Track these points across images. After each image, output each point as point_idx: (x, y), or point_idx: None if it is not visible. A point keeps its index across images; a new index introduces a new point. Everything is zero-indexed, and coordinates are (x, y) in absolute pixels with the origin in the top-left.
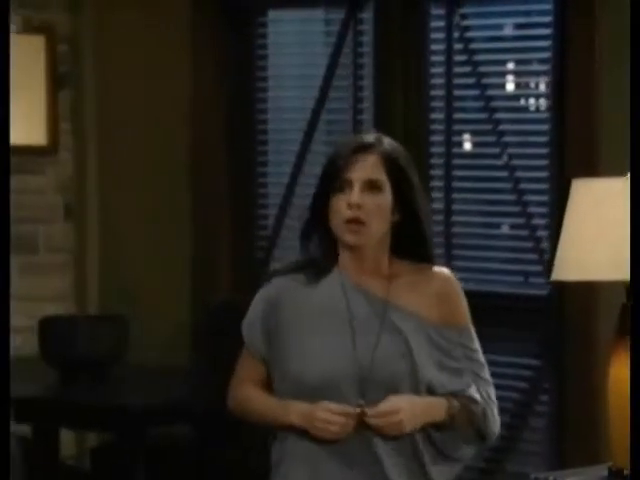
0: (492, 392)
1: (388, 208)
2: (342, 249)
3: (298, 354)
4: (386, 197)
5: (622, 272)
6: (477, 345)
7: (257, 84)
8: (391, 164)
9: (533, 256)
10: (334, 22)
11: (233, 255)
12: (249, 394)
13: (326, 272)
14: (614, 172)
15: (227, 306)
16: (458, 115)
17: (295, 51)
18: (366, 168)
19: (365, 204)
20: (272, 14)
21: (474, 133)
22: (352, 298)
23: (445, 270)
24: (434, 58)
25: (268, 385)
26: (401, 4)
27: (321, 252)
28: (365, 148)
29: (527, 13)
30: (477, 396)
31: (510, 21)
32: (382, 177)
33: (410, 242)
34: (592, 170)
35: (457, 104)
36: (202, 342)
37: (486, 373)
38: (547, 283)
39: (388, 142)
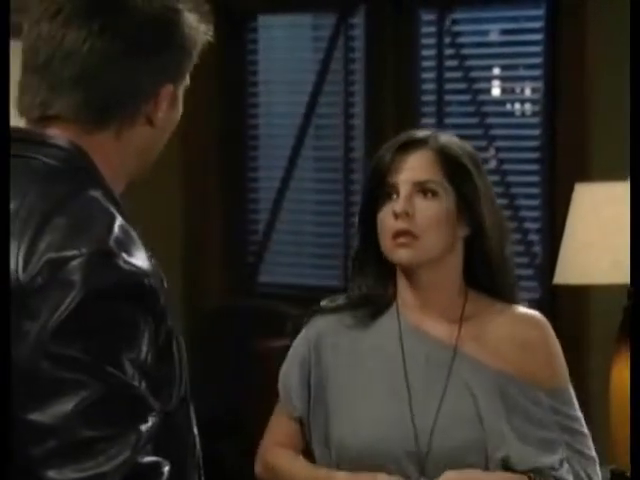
0: (595, 473)
1: (450, 217)
2: (400, 278)
3: (342, 416)
4: (445, 203)
5: (624, 276)
6: (576, 411)
7: (248, 89)
8: (450, 162)
9: (524, 260)
10: (323, 27)
11: (224, 259)
12: (283, 461)
13: (381, 311)
14: (606, 176)
15: (219, 311)
16: (449, 120)
17: (285, 56)
18: (415, 167)
19: (416, 212)
20: (262, 19)
21: (464, 138)
22: (410, 345)
23: (535, 313)
24: (425, 63)
25: (306, 449)
26: (392, 10)
27: (375, 284)
28: (414, 144)
29: (518, 19)
30: (569, 478)
31: (501, 27)
32: (437, 178)
33: (480, 268)
34: (584, 175)
35: (448, 109)
36: (193, 347)
37: (588, 448)
38: (539, 287)
39: (447, 138)
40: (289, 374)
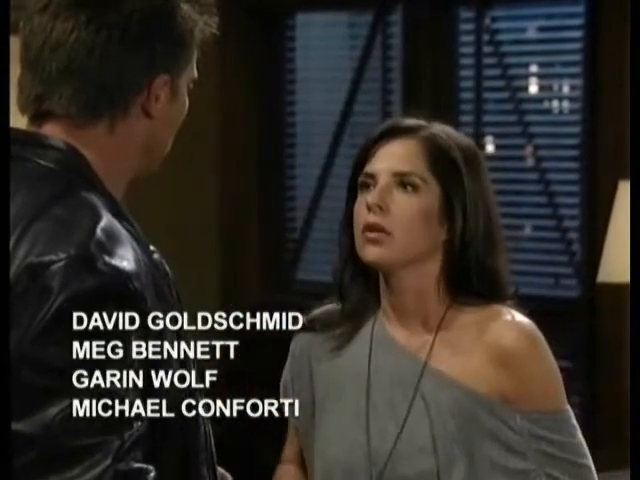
0: None
1: (431, 216)
2: (380, 283)
3: (317, 434)
4: (426, 199)
5: None
6: (572, 437)
7: (285, 87)
8: (437, 155)
9: (563, 258)
10: (361, 25)
11: (261, 257)
12: (282, 475)
13: (365, 320)
14: None
15: (256, 309)
16: (487, 118)
17: (323, 54)
18: (396, 157)
19: (392, 206)
20: (300, 17)
21: (503, 135)
22: (378, 360)
23: (526, 323)
24: (463, 61)
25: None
26: (430, 7)
27: (363, 292)
28: (400, 132)
29: (558, 15)
30: None
31: (540, 24)
32: (420, 171)
33: (463, 272)
34: (625, 173)
35: (486, 107)
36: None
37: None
38: (578, 285)
39: (440, 128)
40: (285, 382)
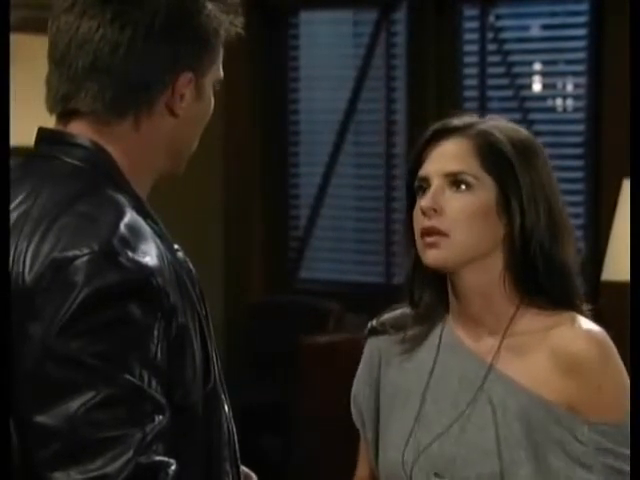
0: None
1: (488, 213)
2: (449, 286)
3: (381, 440)
4: (481, 196)
5: None
6: (627, 450)
7: (289, 84)
8: (489, 151)
9: None
10: (365, 23)
11: (265, 256)
12: None
13: (434, 324)
14: None
15: (260, 307)
16: (490, 115)
17: (327, 52)
18: (447, 157)
19: (446, 207)
20: (304, 15)
21: None
22: (444, 363)
23: (591, 327)
24: (467, 59)
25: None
26: (434, 5)
27: (432, 295)
28: (449, 132)
29: (562, 13)
30: None
31: (544, 22)
32: (472, 169)
33: (527, 274)
34: (629, 171)
35: (490, 105)
36: (236, 342)
37: None
38: (582, 283)
39: (492, 124)
40: (357, 392)
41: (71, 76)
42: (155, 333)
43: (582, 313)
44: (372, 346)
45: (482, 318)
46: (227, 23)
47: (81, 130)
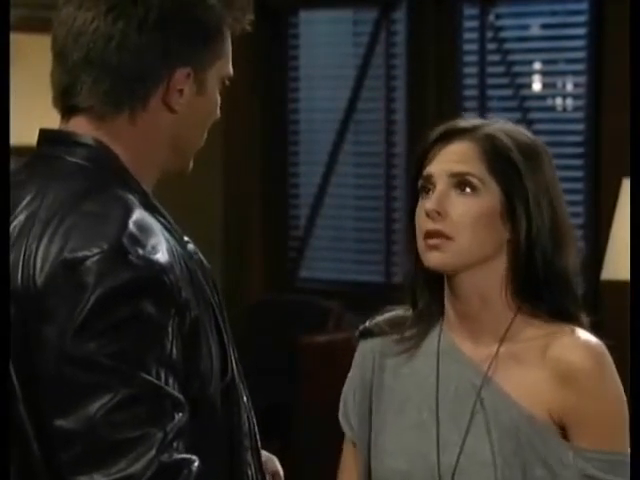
0: None
1: (492, 217)
2: (445, 289)
3: (375, 445)
4: (486, 200)
5: None
6: (614, 477)
7: (289, 84)
8: (494, 155)
9: None
10: (365, 22)
11: (265, 255)
12: None
13: (430, 328)
14: None
15: (260, 306)
16: (491, 115)
17: (327, 51)
18: (453, 158)
19: (450, 210)
20: (303, 15)
21: None
22: (444, 369)
23: (589, 339)
24: (467, 58)
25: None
26: (434, 4)
27: (429, 298)
28: (456, 133)
29: (561, 13)
30: None
31: (544, 21)
32: (478, 171)
33: (528, 280)
34: (629, 170)
35: (490, 104)
36: (235, 341)
37: None
38: (582, 283)
39: (498, 127)
40: (346, 395)
41: (68, 69)
42: (169, 330)
43: (581, 325)
44: (365, 349)
45: (480, 320)
46: (231, 19)
47: (82, 127)
